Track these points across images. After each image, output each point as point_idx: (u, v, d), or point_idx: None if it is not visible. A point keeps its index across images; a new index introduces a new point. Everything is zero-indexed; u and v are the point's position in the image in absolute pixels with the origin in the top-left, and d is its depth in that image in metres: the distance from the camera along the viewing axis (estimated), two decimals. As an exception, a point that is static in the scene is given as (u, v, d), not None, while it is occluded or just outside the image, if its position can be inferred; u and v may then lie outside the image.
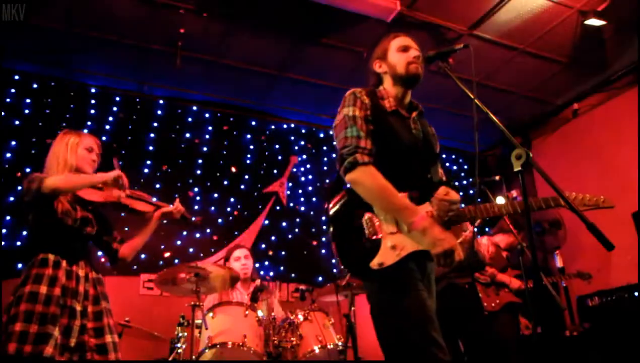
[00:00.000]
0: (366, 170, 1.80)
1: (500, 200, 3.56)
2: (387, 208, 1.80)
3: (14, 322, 2.12)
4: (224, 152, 5.67)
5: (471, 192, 6.62)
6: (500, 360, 3.67)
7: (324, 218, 5.92)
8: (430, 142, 2.06)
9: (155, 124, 5.43)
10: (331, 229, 1.88)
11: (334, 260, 5.73)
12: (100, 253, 2.86)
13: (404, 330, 1.67)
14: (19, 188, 4.57)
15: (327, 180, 6.14)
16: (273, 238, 5.54)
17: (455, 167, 6.96)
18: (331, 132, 6.24)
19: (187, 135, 5.55)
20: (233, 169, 5.66)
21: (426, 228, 1.71)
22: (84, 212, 2.50)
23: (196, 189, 5.34)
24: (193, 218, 2.99)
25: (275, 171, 5.87)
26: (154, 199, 2.76)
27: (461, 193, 3.08)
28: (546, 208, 1.88)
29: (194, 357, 3.15)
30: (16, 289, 2.24)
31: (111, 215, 2.73)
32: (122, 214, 2.67)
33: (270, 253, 5.45)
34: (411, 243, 1.76)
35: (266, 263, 5.36)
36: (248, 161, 5.77)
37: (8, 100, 4.81)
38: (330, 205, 1.93)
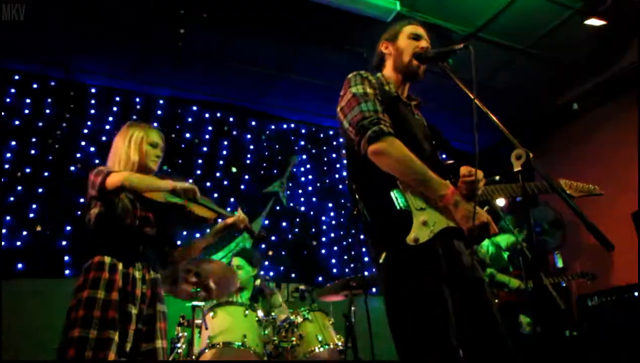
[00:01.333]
0: (393, 140, 1.70)
1: (500, 202, 3.56)
2: (416, 180, 1.68)
3: (73, 327, 2.06)
4: (224, 152, 5.68)
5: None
6: (498, 358, 3.66)
7: (324, 218, 5.93)
8: (434, 128, 2.04)
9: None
10: (359, 201, 1.77)
11: (334, 260, 5.74)
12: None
13: (419, 315, 1.61)
14: (19, 188, 4.57)
15: (327, 180, 6.15)
16: (273, 238, 5.54)
17: (454, 168, 6.94)
18: (331, 132, 6.33)
19: (187, 135, 5.55)
20: (233, 169, 5.66)
21: (458, 201, 1.63)
22: (144, 212, 2.38)
23: (196, 189, 5.34)
24: (257, 232, 2.77)
25: (275, 171, 5.87)
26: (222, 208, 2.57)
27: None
28: (539, 192, 1.95)
29: (194, 357, 3.15)
30: (75, 292, 2.17)
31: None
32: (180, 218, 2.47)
33: (270, 253, 5.45)
34: (443, 219, 1.67)
35: (266, 263, 5.36)
36: (248, 161, 5.78)
37: (8, 100, 4.81)
38: (350, 178, 1.81)
